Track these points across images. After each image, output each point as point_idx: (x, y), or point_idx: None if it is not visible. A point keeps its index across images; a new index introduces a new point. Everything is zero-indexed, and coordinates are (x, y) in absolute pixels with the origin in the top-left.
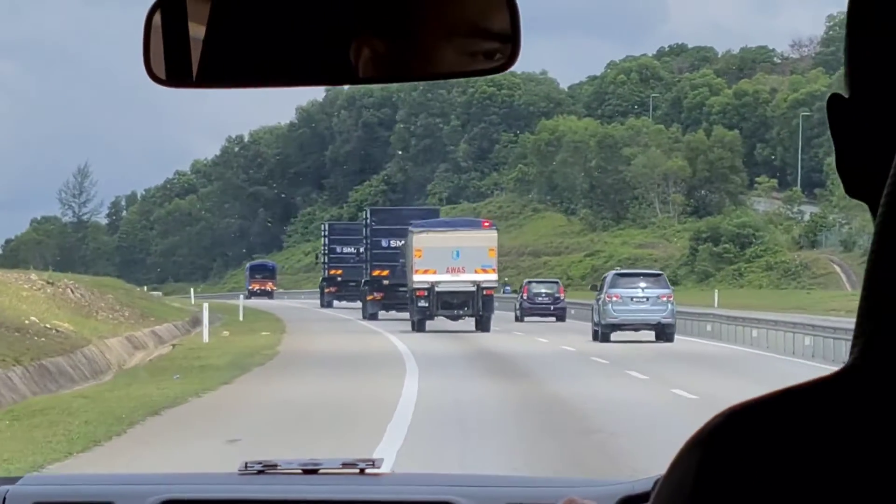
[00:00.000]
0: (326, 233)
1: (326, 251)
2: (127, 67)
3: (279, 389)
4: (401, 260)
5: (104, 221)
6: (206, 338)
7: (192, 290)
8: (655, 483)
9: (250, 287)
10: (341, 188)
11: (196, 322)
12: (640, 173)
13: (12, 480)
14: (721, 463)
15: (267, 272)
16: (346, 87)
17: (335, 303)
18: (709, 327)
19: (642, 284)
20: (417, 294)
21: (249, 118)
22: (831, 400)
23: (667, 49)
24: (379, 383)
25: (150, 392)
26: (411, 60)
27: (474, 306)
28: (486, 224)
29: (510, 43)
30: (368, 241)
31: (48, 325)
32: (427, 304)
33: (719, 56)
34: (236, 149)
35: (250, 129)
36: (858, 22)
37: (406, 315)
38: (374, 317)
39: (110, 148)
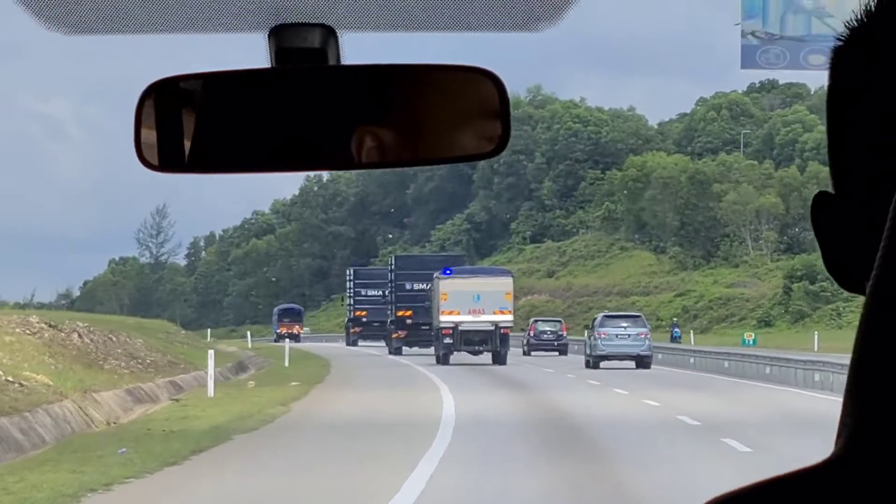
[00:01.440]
0: (352, 277)
1: (352, 294)
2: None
3: (241, 474)
4: (426, 302)
5: (183, 262)
6: (210, 391)
7: (248, 333)
8: None
9: (278, 331)
10: (423, 227)
11: (241, 368)
12: (732, 210)
13: None
14: None
15: (294, 315)
16: None
17: (360, 342)
18: (817, 377)
19: (624, 324)
20: (443, 332)
21: None
22: (816, 492)
23: (757, 85)
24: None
25: (53, 480)
26: (404, 147)
27: (493, 343)
28: (504, 272)
29: (501, 129)
30: (393, 285)
31: (10, 378)
32: (452, 341)
33: (812, 93)
34: (315, 188)
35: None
36: (840, 121)
37: (427, 350)
38: (398, 351)
39: (189, 188)
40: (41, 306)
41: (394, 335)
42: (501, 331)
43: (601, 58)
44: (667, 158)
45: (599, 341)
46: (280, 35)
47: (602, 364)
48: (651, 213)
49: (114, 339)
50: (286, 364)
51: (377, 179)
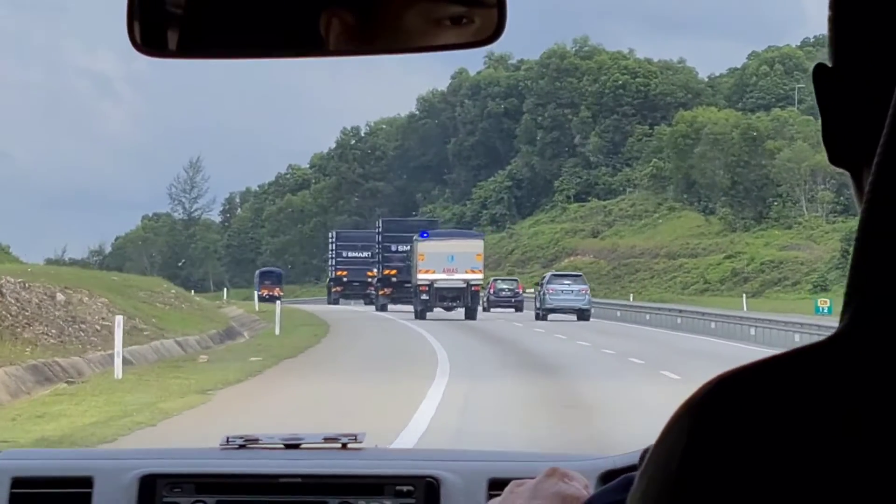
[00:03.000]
0: (334, 239)
1: (335, 255)
2: (240, 62)
3: None
4: (407, 262)
5: (218, 219)
6: (118, 373)
7: (255, 293)
8: (642, 456)
9: (259, 293)
10: (464, 184)
11: (229, 335)
12: (786, 168)
13: None
14: (711, 430)
15: (274, 278)
16: (471, 73)
17: (340, 301)
18: None
19: (568, 282)
20: (420, 289)
21: (368, 108)
22: (821, 366)
23: (812, 39)
24: None
25: None
26: (385, 31)
27: (465, 299)
28: (476, 235)
29: (495, 13)
30: (380, 246)
31: None
32: (428, 297)
33: None
34: (352, 141)
35: (367, 121)
36: None
37: (408, 307)
38: (384, 308)
39: (224, 142)
40: (70, 262)
41: (380, 292)
42: (472, 288)
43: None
44: (717, 114)
45: (548, 296)
46: None
47: (549, 316)
48: (700, 171)
49: (59, 298)
50: (277, 332)
51: (417, 133)
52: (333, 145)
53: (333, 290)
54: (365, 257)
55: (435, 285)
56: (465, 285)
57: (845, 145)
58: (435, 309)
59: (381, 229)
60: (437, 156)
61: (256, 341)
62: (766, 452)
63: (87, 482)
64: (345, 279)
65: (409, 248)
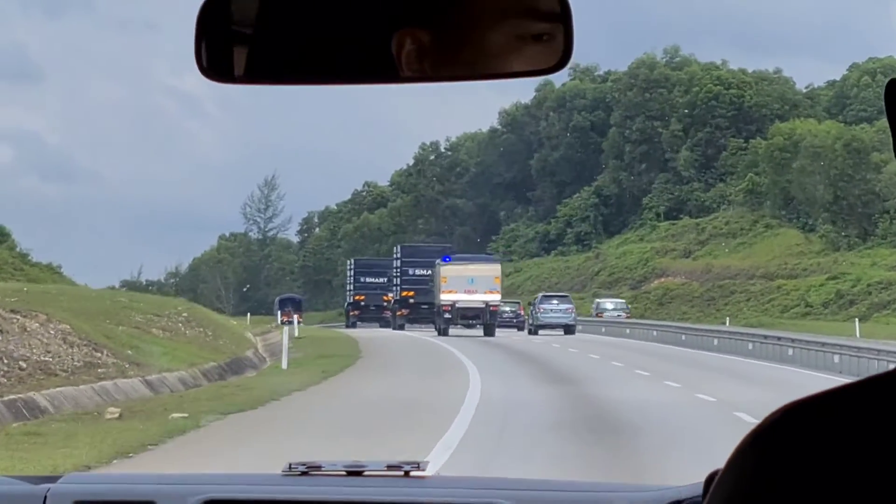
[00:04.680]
0: (352, 266)
1: (353, 281)
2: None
3: None
4: (426, 284)
5: (296, 239)
6: None
7: (278, 315)
8: (707, 483)
9: (281, 320)
10: (548, 201)
11: (234, 369)
12: (894, 182)
13: (53, 479)
14: (780, 458)
15: (294, 304)
16: (556, 85)
17: (358, 324)
18: None
19: (556, 301)
20: (444, 309)
21: (449, 123)
22: (885, 397)
23: None
24: None
25: None
26: (456, 58)
27: (484, 317)
28: (493, 259)
29: (562, 42)
30: (399, 270)
31: None
32: (450, 316)
33: None
34: (432, 157)
35: (447, 136)
36: None
37: (426, 327)
38: (401, 327)
39: (303, 159)
40: (147, 284)
41: (398, 313)
42: (491, 308)
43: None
44: (818, 126)
45: (539, 314)
46: None
47: (540, 332)
48: (800, 186)
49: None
50: (284, 365)
51: (499, 149)
52: (412, 161)
53: (351, 314)
54: (381, 282)
55: (457, 305)
56: (484, 305)
57: None
58: (454, 326)
59: (399, 255)
60: (520, 172)
61: (250, 380)
62: (830, 482)
63: None
64: (362, 303)
65: (426, 271)
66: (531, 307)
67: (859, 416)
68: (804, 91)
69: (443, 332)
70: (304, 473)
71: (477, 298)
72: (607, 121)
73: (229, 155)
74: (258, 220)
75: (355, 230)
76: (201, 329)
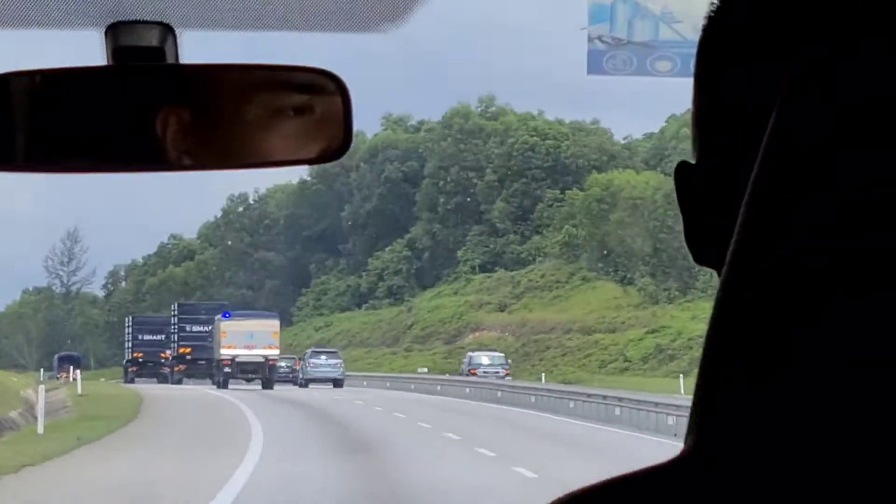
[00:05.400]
0: (130, 324)
1: (131, 338)
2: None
3: None
4: (205, 341)
5: (101, 293)
6: None
7: (76, 371)
8: None
9: (58, 376)
10: (360, 254)
11: None
12: None
13: None
14: None
15: (73, 361)
16: (368, 135)
17: (136, 380)
18: None
19: (324, 357)
20: (223, 363)
21: (257, 175)
22: (664, 489)
23: None
24: None
25: None
26: (244, 148)
27: (263, 371)
28: (271, 315)
29: (343, 133)
30: (176, 327)
31: None
32: (230, 370)
33: None
34: (240, 208)
35: (255, 188)
36: (706, 85)
37: (202, 381)
38: (178, 382)
39: (104, 211)
40: None
41: (175, 368)
42: (270, 362)
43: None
44: (636, 177)
45: (308, 368)
46: (117, 32)
47: (311, 385)
48: (618, 238)
49: None
50: (40, 430)
51: (309, 200)
52: (220, 214)
53: (130, 370)
54: (159, 339)
55: (237, 359)
56: (263, 360)
57: (709, 245)
58: (234, 380)
59: (177, 312)
60: (331, 224)
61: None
62: None
63: None
64: (140, 360)
65: (203, 328)
66: (302, 362)
67: None
68: (622, 142)
69: (222, 385)
70: None
71: (256, 353)
72: (421, 171)
73: (34, 207)
74: (61, 273)
75: (161, 284)
76: None
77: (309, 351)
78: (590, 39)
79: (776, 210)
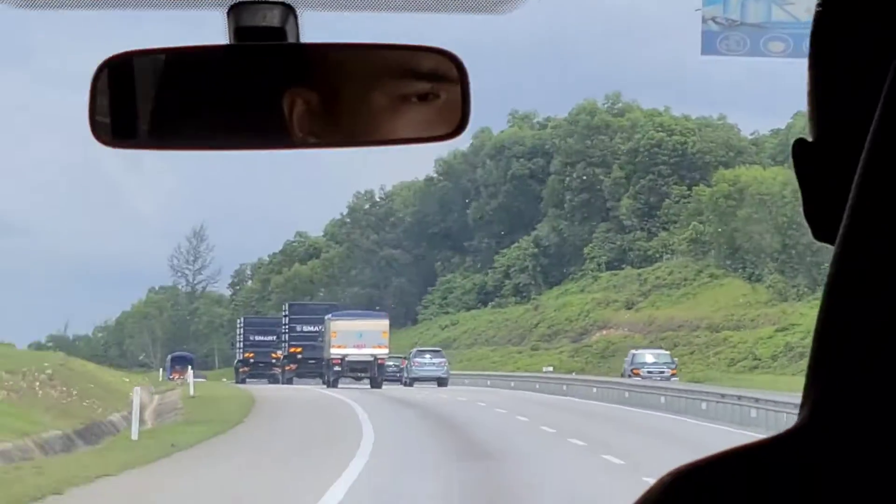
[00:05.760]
0: (242, 325)
1: (242, 339)
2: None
3: None
4: (315, 340)
5: (228, 292)
6: None
7: (162, 370)
8: None
9: (171, 377)
10: (486, 251)
11: (90, 436)
12: None
13: None
14: None
15: (185, 362)
16: (494, 132)
17: (247, 380)
18: None
19: (429, 356)
20: (333, 362)
21: (384, 172)
22: (779, 461)
23: None
24: None
25: None
26: (362, 127)
27: (372, 370)
28: (381, 315)
29: (461, 110)
30: (287, 327)
31: None
32: (340, 369)
33: None
34: (366, 206)
35: (381, 185)
36: (821, 63)
37: (312, 381)
38: (289, 381)
39: (230, 210)
40: (74, 339)
41: (286, 368)
42: (378, 361)
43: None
44: (763, 172)
45: (413, 368)
46: (239, 13)
47: (415, 384)
48: (745, 234)
49: None
50: (134, 435)
51: (435, 197)
52: (346, 211)
53: (241, 370)
54: (270, 340)
55: (346, 358)
56: (372, 358)
57: (827, 221)
58: (343, 379)
59: (287, 312)
60: (457, 222)
61: (73, 457)
62: None
63: None
64: (251, 360)
65: (313, 328)
66: (407, 361)
67: (749, 482)
68: (749, 138)
69: (332, 385)
70: None
71: (366, 352)
72: (547, 168)
73: (162, 207)
74: (186, 272)
75: (286, 282)
76: (65, 389)
77: (414, 350)
78: (704, 21)
79: (888, 184)
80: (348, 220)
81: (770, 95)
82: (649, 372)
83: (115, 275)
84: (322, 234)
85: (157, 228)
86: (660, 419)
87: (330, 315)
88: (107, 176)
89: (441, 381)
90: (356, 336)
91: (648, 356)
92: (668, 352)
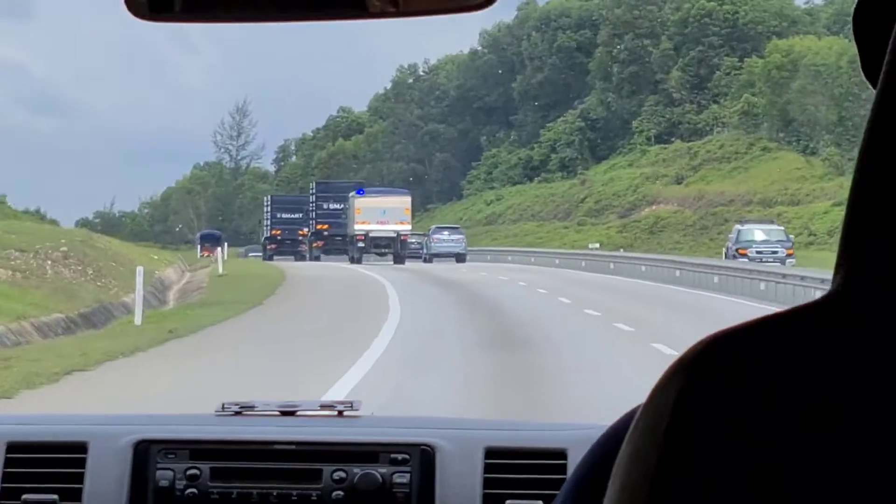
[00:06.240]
0: (269, 203)
1: (269, 216)
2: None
3: None
4: (340, 218)
5: (272, 168)
6: None
7: (181, 252)
8: (632, 416)
9: (201, 254)
10: (531, 126)
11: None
12: None
13: None
14: (703, 389)
15: (213, 240)
16: (539, 3)
17: (275, 257)
18: None
19: (447, 233)
20: (357, 238)
21: (426, 45)
22: (815, 327)
23: None
24: None
25: None
26: None
27: (395, 246)
28: (403, 191)
29: None
30: (314, 205)
31: None
32: (364, 245)
33: None
34: (410, 80)
35: (425, 58)
36: None
37: (340, 258)
38: (317, 258)
39: (273, 85)
40: (120, 215)
41: (314, 244)
42: (401, 237)
43: None
44: (818, 43)
45: (432, 244)
46: None
47: (434, 259)
48: (800, 107)
49: None
50: (137, 320)
51: (480, 71)
52: (389, 85)
53: (269, 247)
54: (297, 218)
55: (370, 234)
56: (395, 235)
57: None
58: (366, 255)
59: (315, 190)
60: (501, 95)
61: (59, 343)
62: (756, 414)
63: (81, 447)
64: (279, 237)
65: (340, 206)
66: (426, 238)
67: (786, 348)
68: (803, 7)
69: (356, 261)
70: (237, 413)
71: (389, 228)
72: (594, 40)
73: (207, 82)
74: (230, 147)
75: (330, 157)
76: (80, 268)
77: (433, 227)
78: None
79: None
80: (392, 94)
81: None
82: (759, 252)
83: (162, 151)
84: (366, 108)
85: (203, 104)
86: (711, 300)
87: (354, 192)
88: (151, 52)
89: (459, 257)
90: (379, 213)
91: (757, 232)
92: (781, 227)
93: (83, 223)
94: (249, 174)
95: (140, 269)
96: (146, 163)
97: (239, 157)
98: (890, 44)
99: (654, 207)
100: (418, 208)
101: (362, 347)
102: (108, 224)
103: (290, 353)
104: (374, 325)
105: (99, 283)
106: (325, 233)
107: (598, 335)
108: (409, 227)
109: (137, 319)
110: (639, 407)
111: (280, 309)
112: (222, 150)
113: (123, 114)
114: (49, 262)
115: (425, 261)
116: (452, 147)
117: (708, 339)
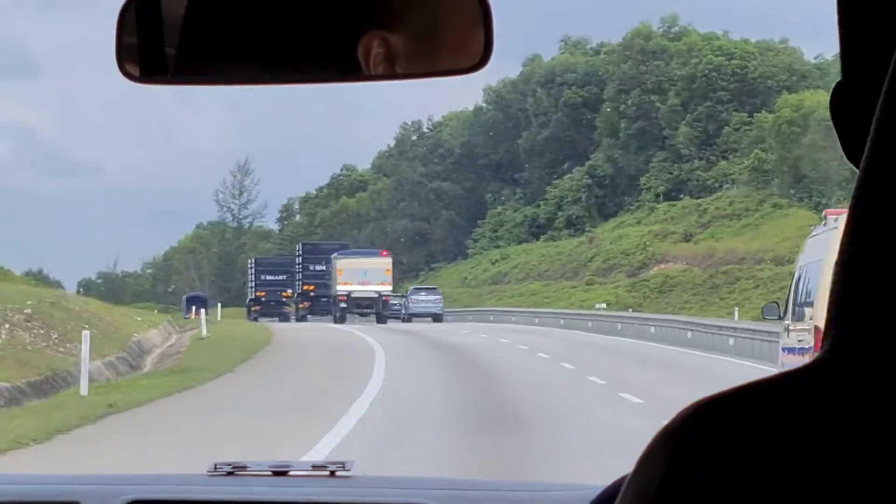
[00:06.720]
0: (253, 265)
1: (254, 278)
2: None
3: None
4: (326, 279)
5: (276, 227)
6: None
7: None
8: (621, 483)
9: (187, 316)
10: (537, 183)
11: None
12: None
13: None
14: (690, 457)
15: (200, 302)
16: (545, 59)
17: (259, 319)
18: None
19: (424, 293)
20: (339, 298)
21: (431, 102)
22: (803, 394)
23: None
24: None
25: None
26: (381, 61)
27: (377, 306)
28: (384, 253)
29: (483, 40)
30: (301, 266)
31: None
32: (346, 305)
33: None
34: (413, 137)
35: (429, 115)
36: (847, 19)
37: (324, 318)
38: (303, 319)
39: (275, 144)
40: (124, 276)
41: (300, 305)
42: (383, 298)
43: None
44: (828, 98)
45: (410, 304)
46: None
47: (413, 319)
48: (811, 162)
49: None
50: (83, 391)
51: (485, 128)
52: (393, 143)
53: (253, 309)
54: (281, 279)
55: (352, 295)
56: (377, 295)
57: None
58: (349, 315)
59: (301, 252)
60: (507, 152)
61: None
62: (744, 482)
63: None
64: (263, 299)
65: (325, 267)
66: (405, 299)
67: (773, 415)
68: (813, 62)
69: (339, 320)
70: (229, 474)
71: (370, 289)
72: (600, 96)
73: (209, 141)
74: (232, 206)
75: (333, 216)
76: (43, 331)
77: (411, 288)
78: None
79: None
80: (396, 151)
81: (834, 17)
82: None
83: (166, 211)
84: (369, 166)
85: (207, 162)
86: (729, 365)
87: (336, 254)
88: (157, 110)
89: (436, 317)
90: (361, 273)
91: None
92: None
93: (86, 284)
94: (252, 233)
95: (86, 334)
96: (150, 222)
97: (241, 216)
98: (879, 103)
99: (662, 266)
100: (423, 267)
101: (316, 439)
102: (111, 284)
103: (225, 440)
104: (343, 406)
105: (61, 350)
106: (312, 293)
107: (600, 409)
108: (389, 287)
109: (83, 390)
110: (627, 476)
111: (248, 376)
112: (224, 209)
113: (127, 173)
114: (6, 326)
115: (404, 320)
116: (457, 205)
117: (693, 406)
